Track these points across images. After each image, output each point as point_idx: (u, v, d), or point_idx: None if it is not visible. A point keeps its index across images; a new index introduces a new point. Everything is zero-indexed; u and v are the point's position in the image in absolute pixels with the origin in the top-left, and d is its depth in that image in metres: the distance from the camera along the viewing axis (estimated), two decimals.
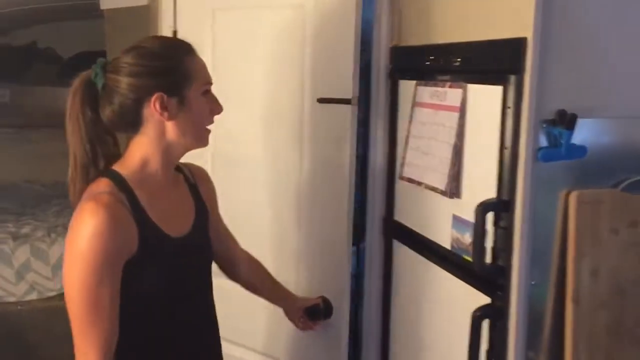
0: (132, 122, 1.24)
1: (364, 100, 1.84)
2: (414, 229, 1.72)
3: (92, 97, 1.23)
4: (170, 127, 1.24)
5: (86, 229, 1.13)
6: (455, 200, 1.48)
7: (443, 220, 1.54)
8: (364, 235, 1.95)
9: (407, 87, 1.73)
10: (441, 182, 1.51)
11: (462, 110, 1.44)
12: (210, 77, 1.29)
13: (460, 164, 1.46)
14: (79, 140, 1.24)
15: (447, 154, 1.49)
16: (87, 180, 1.23)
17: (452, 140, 1.47)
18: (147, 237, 1.20)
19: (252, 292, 1.70)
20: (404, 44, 1.79)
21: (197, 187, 1.42)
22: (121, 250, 1.17)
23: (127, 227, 1.18)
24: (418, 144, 1.65)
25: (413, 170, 1.66)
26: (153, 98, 1.20)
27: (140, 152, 1.25)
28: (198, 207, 1.40)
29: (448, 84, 1.51)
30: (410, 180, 1.67)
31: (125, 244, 1.17)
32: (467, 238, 1.44)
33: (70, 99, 1.24)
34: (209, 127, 1.31)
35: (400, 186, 1.78)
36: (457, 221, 1.48)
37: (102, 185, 1.21)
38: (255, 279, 1.69)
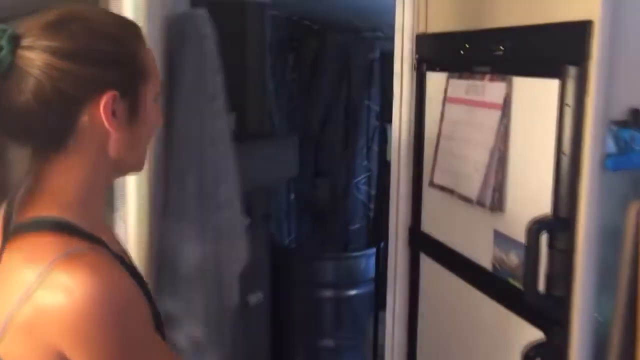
0: (56, 132, 0.82)
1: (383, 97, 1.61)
2: (445, 243, 1.50)
3: None
4: (114, 143, 0.85)
5: (96, 295, 0.73)
6: (497, 214, 1.26)
7: (482, 236, 1.32)
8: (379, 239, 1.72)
9: (436, 80, 1.51)
10: (478, 192, 1.29)
11: (506, 108, 1.22)
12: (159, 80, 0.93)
13: (504, 171, 1.24)
14: None
15: (484, 159, 1.26)
16: None
17: (490, 142, 1.25)
18: (144, 292, 0.86)
19: None
20: (431, 31, 1.56)
21: None
22: (148, 313, 0.83)
23: (134, 285, 0.82)
24: (450, 146, 1.43)
25: (445, 176, 1.44)
26: (104, 98, 0.81)
27: (72, 180, 0.84)
28: None
29: (488, 76, 1.29)
30: (442, 188, 1.46)
31: (145, 307, 0.83)
32: (513, 258, 1.22)
33: None
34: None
35: (429, 194, 1.56)
36: (500, 238, 1.27)
37: (58, 245, 0.78)
38: None
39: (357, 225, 3.45)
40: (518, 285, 1.19)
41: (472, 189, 1.32)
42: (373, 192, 3.42)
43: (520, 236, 1.16)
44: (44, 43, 0.79)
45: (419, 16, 1.58)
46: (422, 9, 1.57)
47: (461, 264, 1.42)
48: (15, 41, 0.78)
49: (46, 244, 0.77)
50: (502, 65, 1.24)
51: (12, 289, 0.75)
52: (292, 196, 3.56)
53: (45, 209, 0.81)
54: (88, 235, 0.81)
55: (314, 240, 3.69)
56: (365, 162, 3.40)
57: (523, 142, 1.19)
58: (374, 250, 3.21)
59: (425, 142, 1.58)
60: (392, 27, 1.66)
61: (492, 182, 1.24)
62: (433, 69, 1.53)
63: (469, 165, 1.33)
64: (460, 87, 1.39)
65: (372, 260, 3.22)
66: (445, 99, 1.45)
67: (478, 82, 1.32)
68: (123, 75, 0.84)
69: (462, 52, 1.38)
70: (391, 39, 1.69)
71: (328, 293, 3.14)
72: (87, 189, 0.85)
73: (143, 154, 0.91)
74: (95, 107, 0.81)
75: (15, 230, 0.78)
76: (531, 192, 1.17)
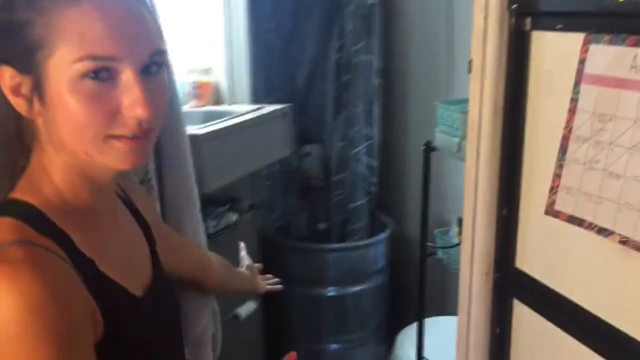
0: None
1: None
2: (570, 297, 0.98)
3: None
4: (45, 127, 0.73)
5: (11, 311, 0.62)
6: None
7: None
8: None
9: (555, 44, 0.95)
10: None
11: None
12: (108, 47, 0.68)
13: None
14: None
15: None
16: None
17: None
18: (110, 305, 0.72)
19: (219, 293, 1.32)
20: None
21: (137, 210, 0.93)
22: (82, 332, 0.67)
23: (79, 294, 0.68)
24: (594, 154, 0.88)
25: (583, 203, 0.90)
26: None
27: (39, 167, 0.76)
28: (149, 240, 0.92)
29: None
30: (574, 220, 0.92)
31: (85, 321, 0.68)
32: None
33: None
34: (125, 134, 0.71)
35: (539, 221, 1.02)
36: None
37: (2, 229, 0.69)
38: (224, 280, 1.26)
39: (357, 203, 2.91)
40: None
41: None
42: (376, 163, 2.87)
43: None
44: None
45: None
46: None
47: (603, 335, 0.90)
48: None
49: None
50: None
51: None
52: (277, 167, 2.99)
53: (24, 193, 0.75)
54: (48, 226, 0.72)
55: (304, 219, 3.15)
56: (365, 129, 2.84)
57: None
58: (382, 236, 2.71)
59: (527, 140, 1.03)
60: None
61: None
62: (547, 27, 0.96)
63: None
64: (616, 59, 0.83)
65: (381, 248, 2.72)
66: (580, 77, 0.89)
67: None
68: (12, 49, 0.70)
69: None
70: None
71: (330, 291, 2.64)
72: (53, 179, 0.75)
73: (85, 141, 0.71)
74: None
75: None
76: None
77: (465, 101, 1.63)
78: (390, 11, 2.69)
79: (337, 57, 2.86)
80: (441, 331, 1.88)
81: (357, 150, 2.85)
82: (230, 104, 2.32)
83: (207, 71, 2.28)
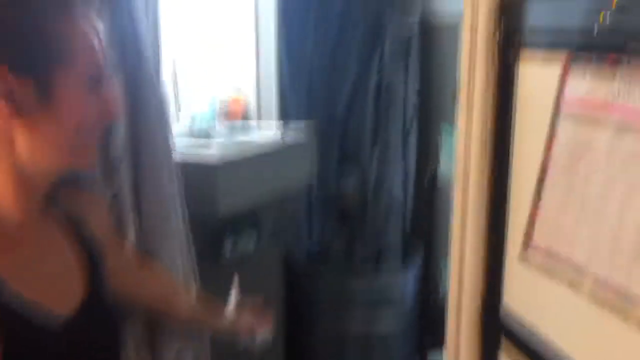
0: None
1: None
2: (551, 343, 0.88)
3: None
4: (24, 137, 0.73)
5: None
6: None
7: None
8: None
9: (538, 71, 0.88)
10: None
11: None
12: (101, 60, 0.76)
13: None
14: None
15: None
16: None
17: None
18: (15, 325, 0.71)
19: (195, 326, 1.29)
20: None
21: (82, 226, 0.89)
22: None
23: None
24: (573, 187, 0.79)
25: (557, 237, 0.82)
26: None
27: None
28: (91, 257, 0.88)
29: None
30: (550, 256, 0.83)
31: None
32: None
33: None
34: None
35: (522, 263, 0.93)
36: None
37: None
38: (197, 315, 1.20)
39: (391, 230, 2.82)
40: None
41: (624, 279, 0.69)
42: (411, 190, 2.79)
43: None
44: None
45: None
46: None
47: None
48: None
49: None
50: None
51: None
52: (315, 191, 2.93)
53: None
54: None
55: (341, 245, 3.08)
56: (401, 155, 2.76)
57: None
58: (411, 268, 2.62)
59: (514, 173, 0.95)
60: None
61: None
62: (532, 56, 0.89)
63: (619, 231, 0.71)
64: (598, 84, 0.75)
65: (412, 280, 2.62)
66: (558, 105, 0.81)
67: None
68: (20, 49, 0.71)
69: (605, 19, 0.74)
70: None
71: (357, 326, 2.55)
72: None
73: (75, 150, 0.76)
74: None
75: None
76: None
77: None
78: (428, 37, 2.64)
79: (376, 81, 2.81)
80: None
81: (392, 176, 2.78)
82: (258, 121, 2.33)
83: (237, 89, 2.29)
